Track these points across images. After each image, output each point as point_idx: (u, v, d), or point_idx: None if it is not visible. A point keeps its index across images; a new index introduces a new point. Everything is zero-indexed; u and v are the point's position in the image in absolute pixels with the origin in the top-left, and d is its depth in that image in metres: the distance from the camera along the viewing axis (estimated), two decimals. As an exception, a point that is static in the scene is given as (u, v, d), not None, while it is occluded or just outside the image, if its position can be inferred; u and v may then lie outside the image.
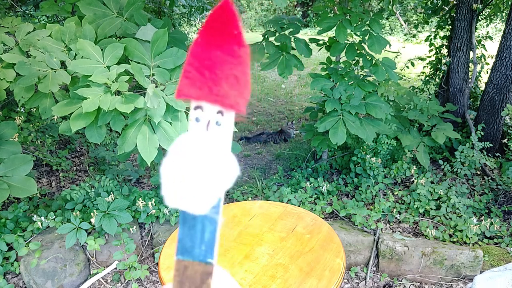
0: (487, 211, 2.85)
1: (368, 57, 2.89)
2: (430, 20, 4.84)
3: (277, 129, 4.64)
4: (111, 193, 2.64)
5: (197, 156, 0.38)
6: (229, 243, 1.65)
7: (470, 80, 3.85)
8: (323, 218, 1.94)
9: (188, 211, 0.39)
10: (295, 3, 14.01)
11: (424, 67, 4.47)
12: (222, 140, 0.39)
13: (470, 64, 3.90)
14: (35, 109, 3.19)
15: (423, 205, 2.73)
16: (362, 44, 2.91)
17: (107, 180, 2.77)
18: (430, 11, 4.40)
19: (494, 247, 2.48)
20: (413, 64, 4.41)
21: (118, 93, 1.79)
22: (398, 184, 3.15)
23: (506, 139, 3.38)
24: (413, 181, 2.87)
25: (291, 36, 2.98)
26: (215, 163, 0.38)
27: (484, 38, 4.11)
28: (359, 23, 2.79)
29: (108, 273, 2.47)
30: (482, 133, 3.21)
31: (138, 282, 2.40)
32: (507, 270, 1.56)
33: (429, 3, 4.47)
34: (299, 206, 2.72)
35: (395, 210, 2.79)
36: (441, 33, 4.32)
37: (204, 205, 0.39)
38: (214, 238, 0.40)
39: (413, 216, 2.74)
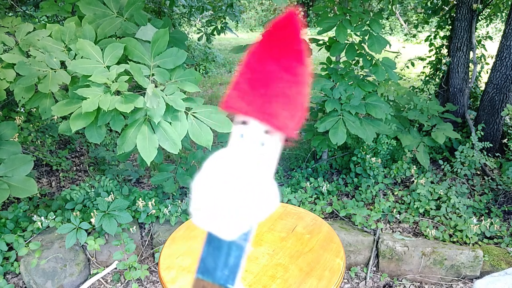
0: (487, 211, 2.85)
1: (368, 57, 2.89)
2: (430, 20, 4.84)
3: (277, 129, 4.63)
4: (111, 193, 2.64)
5: (235, 177, 0.34)
6: (229, 243, 1.65)
7: (470, 80, 3.85)
8: (323, 218, 1.94)
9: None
10: (296, 3, 14.00)
11: (424, 67, 4.47)
12: (265, 163, 0.35)
13: (470, 64, 3.90)
14: (35, 109, 3.19)
15: (423, 205, 2.73)
16: (362, 44, 2.91)
17: (107, 180, 2.77)
18: (430, 11, 4.40)
19: (494, 247, 2.48)
20: (413, 64, 4.41)
21: (118, 93, 1.79)
22: (398, 184, 3.15)
23: (506, 139, 3.38)
24: (413, 181, 2.87)
25: (291, 36, 2.97)
26: (254, 189, 0.34)
27: (484, 38, 4.11)
28: (359, 23, 2.79)
29: (108, 273, 2.47)
30: (482, 133, 3.21)
31: (138, 282, 2.40)
32: (508, 274, 1.55)
33: (429, 3, 4.47)
34: (299, 206, 2.72)
35: (395, 210, 2.79)
36: (441, 33, 4.32)
37: (234, 232, 0.35)
38: (239, 265, 0.38)
39: (413, 216, 2.74)
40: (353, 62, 3.06)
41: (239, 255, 0.37)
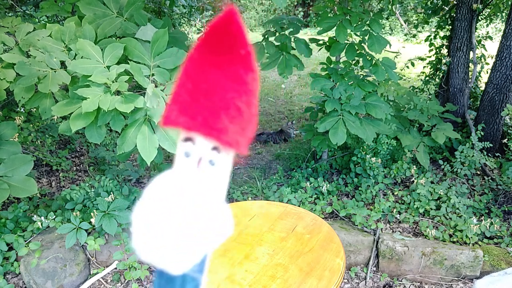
0: (487, 211, 2.85)
1: (368, 57, 2.89)
2: (430, 20, 4.84)
3: (277, 129, 4.64)
4: (111, 193, 2.64)
5: (182, 203, 0.30)
6: (229, 243, 1.65)
7: (470, 80, 3.84)
8: (323, 218, 1.94)
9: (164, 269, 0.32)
10: (295, 3, 14.01)
11: (424, 67, 4.47)
12: (215, 184, 0.31)
13: (470, 64, 3.90)
14: (35, 109, 3.19)
15: (423, 205, 2.73)
16: (362, 44, 2.91)
17: (107, 180, 2.77)
18: (430, 11, 4.40)
19: (494, 247, 2.48)
20: (413, 64, 4.41)
21: (118, 93, 1.79)
22: (398, 184, 3.15)
23: (506, 139, 3.38)
24: (413, 181, 2.87)
25: (291, 36, 2.98)
26: (204, 214, 0.30)
27: (484, 38, 4.11)
28: (359, 23, 2.79)
29: (108, 273, 2.47)
30: (482, 133, 3.21)
31: (138, 282, 2.40)
32: (507, 274, 1.55)
33: (429, 3, 4.47)
34: (299, 206, 2.72)
35: (395, 210, 2.79)
36: (441, 33, 4.32)
37: (185, 265, 0.31)
38: None
39: (413, 216, 2.74)
40: (353, 62, 3.06)
41: (195, 286, 0.33)
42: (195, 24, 8.03)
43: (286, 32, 2.98)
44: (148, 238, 0.30)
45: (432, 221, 2.71)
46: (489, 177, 3.08)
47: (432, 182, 2.91)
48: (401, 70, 4.43)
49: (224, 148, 0.30)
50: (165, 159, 3.68)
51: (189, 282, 0.33)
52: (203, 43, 0.29)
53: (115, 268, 2.44)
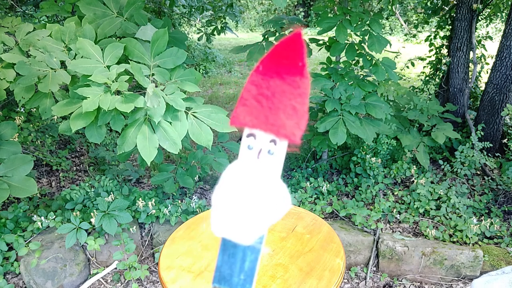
0: (487, 211, 2.85)
1: (368, 57, 2.89)
2: (430, 20, 4.84)
3: (277, 129, 4.63)
4: (111, 193, 2.64)
5: (248, 186, 0.37)
6: (229, 243, 1.65)
7: (470, 80, 3.85)
8: (323, 218, 1.94)
9: (230, 239, 0.39)
10: (296, 3, 14.02)
11: (424, 67, 4.47)
12: (273, 170, 0.38)
13: (470, 64, 3.90)
14: (35, 109, 3.19)
15: (423, 205, 2.73)
16: (362, 44, 2.91)
17: (107, 180, 2.77)
18: (430, 11, 4.40)
19: (494, 247, 2.48)
20: (413, 64, 4.41)
21: (118, 92, 1.79)
22: (398, 184, 3.15)
23: (506, 139, 3.38)
24: (413, 181, 2.87)
25: (291, 36, 2.97)
26: (266, 194, 0.37)
27: (484, 38, 4.11)
28: (359, 23, 2.79)
29: (108, 273, 2.47)
30: (482, 133, 3.21)
31: (138, 282, 2.40)
32: (505, 273, 1.56)
33: (429, 3, 4.47)
34: (299, 206, 2.72)
35: (395, 210, 2.79)
36: (441, 33, 4.32)
37: (251, 237, 0.38)
38: (255, 268, 0.39)
39: (413, 216, 2.74)
40: (353, 62, 3.06)
41: (254, 258, 0.39)
42: (195, 24, 8.03)
43: (286, 32, 2.98)
44: (224, 215, 0.37)
45: (432, 221, 2.71)
46: (489, 177, 3.08)
47: (432, 182, 2.91)
48: (401, 70, 4.43)
49: (281, 139, 0.37)
50: (165, 159, 3.68)
51: (249, 255, 0.39)
52: (269, 56, 0.36)
53: (115, 268, 2.44)
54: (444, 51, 4.21)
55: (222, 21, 5.24)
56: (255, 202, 0.37)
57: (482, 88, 3.90)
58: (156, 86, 1.85)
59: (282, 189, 0.38)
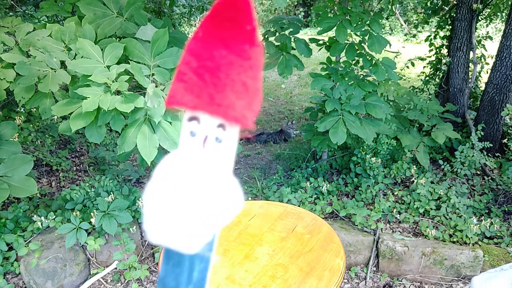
0: (487, 211, 2.85)
1: (368, 57, 2.89)
2: (430, 20, 4.84)
3: (277, 129, 4.64)
4: (111, 193, 2.64)
5: (190, 181, 0.30)
6: (229, 243, 1.65)
7: (470, 80, 3.84)
8: (323, 218, 1.94)
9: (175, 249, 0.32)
10: (296, 3, 14.02)
11: (424, 67, 4.47)
12: (223, 161, 0.31)
13: (470, 64, 3.90)
14: (35, 109, 3.19)
15: (423, 205, 2.73)
16: (362, 44, 2.91)
17: (107, 180, 2.77)
18: (430, 11, 4.40)
19: (494, 247, 2.48)
20: (413, 64, 4.41)
21: (118, 92, 1.79)
22: (398, 184, 3.15)
23: (506, 139, 3.38)
24: (413, 181, 2.87)
25: (291, 36, 2.98)
26: (213, 192, 0.30)
27: (484, 38, 4.11)
28: (359, 23, 2.79)
29: (108, 273, 2.46)
30: (482, 133, 3.21)
31: (138, 282, 2.40)
32: (504, 270, 1.56)
33: (429, 3, 4.47)
34: (299, 206, 2.72)
35: (395, 210, 2.79)
36: (441, 33, 4.32)
37: (196, 244, 0.31)
38: (205, 279, 0.33)
39: (413, 216, 2.74)
40: (353, 62, 3.06)
41: (204, 268, 0.33)
42: (195, 24, 8.03)
43: (286, 32, 2.98)
44: (159, 219, 0.30)
45: (432, 221, 2.71)
46: (489, 177, 3.08)
47: (432, 182, 2.91)
48: (401, 70, 4.43)
49: (230, 124, 0.30)
50: (165, 159, 3.67)
51: (197, 264, 0.33)
52: (209, 19, 0.30)
53: (115, 268, 2.44)
54: (444, 51, 4.21)
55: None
56: (199, 202, 0.30)
57: (482, 88, 3.90)
58: (156, 86, 1.85)
59: (233, 184, 0.31)
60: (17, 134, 3.00)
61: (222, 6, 0.29)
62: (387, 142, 3.05)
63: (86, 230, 2.37)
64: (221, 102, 0.29)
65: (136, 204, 2.58)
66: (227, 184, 0.31)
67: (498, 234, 2.58)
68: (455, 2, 3.96)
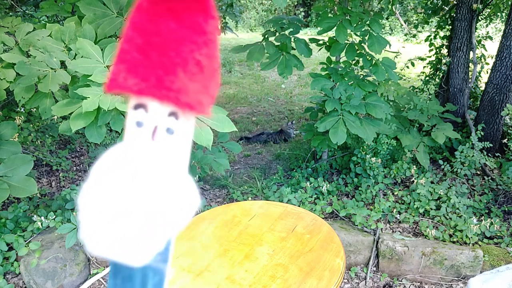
0: (487, 211, 2.85)
1: (368, 57, 2.89)
2: (430, 20, 4.84)
3: (277, 129, 4.64)
4: (111, 193, 2.64)
5: (137, 180, 0.25)
6: (229, 243, 1.65)
7: (470, 80, 3.85)
8: (323, 218, 1.94)
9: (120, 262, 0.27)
10: (296, 3, 14.02)
11: (424, 67, 4.47)
12: (176, 156, 0.26)
13: (470, 64, 3.90)
14: (35, 109, 3.19)
15: (423, 205, 2.73)
16: (362, 44, 2.91)
17: (107, 180, 2.77)
18: (430, 11, 4.40)
19: (494, 247, 2.48)
20: (413, 64, 4.41)
21: (118, 93, 1.79)
22: (398, 184, 3.15)
23: (506, 139, 3.38)
24: (413, 181, 2.87)
25: (291, 36, 2.98)
26: (164, 191, 0.25)
27: (484, 38, 4.11)
28: (359, 23, 2.79)
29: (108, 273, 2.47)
30: (482, 133, 3.21)
31: (138, 282, 2.40)
32: (500, 272, 1.56)
33: (429, 3, 4.47)
34: (299, 206, 2.72)
35: (395, 210, 2.79)
36: (441, 33, 4.32)
37: (145, 254, 0.26)
38: None
39: (413, 216, 2.74)
40: (353, 62, 3.06)
41: (159, 281, 0.28)
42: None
43: (286, 32, 2.98)
44: (98, 226, 0.25)
45: (432, 221, 2.71)
46: (489, 177, 3.08)
47: (432, 182, 2.91)
48: (401, 70, 4.43)
49: (184, 111, 0.25)
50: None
51: (151, 277, 0.28)
52: None
53: (115, 268, 2.44)
54: (444, 51, 4.21)
55: (222, 21, 5.24)
56: (148, 204, 0.25)
57: (482, 88, 3.90)
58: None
59: (188, 183, 0.26)
60: (17, 134, 3.00)
61: None
62: (387, 142, 3.05)
63: (86, 230, 2.37)
64: (171, 85, 0.24)
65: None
66: (180, 183, 0.26)
67: (498, 234, 2.58)
68: (455, 2, 3.96)
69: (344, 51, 2.89)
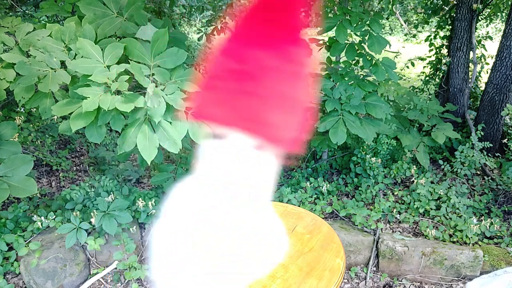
0: (487, 211, 2.85)
1: (368, 57, 2.89)
2: (430, 20, 4.84)
3: (277, 129, 4.63)
4: (111, 193, 2.64)
5: (219, 221, 0.21)
6: (229, 243, 1.65)
7: (470, 80, 3.85)
8: (323, 218, 1.94)
9: None
10: (295, 3, 14.02)
11: (424, 67, 4.47)
12: (261, 195, 0.23)
13: (470, 64, 3.90)
14: (35, 109, 3.19)
15: (423, 205, 2.73)
16: (362, 44, 2.91)
17: (107, 180, 2.77)
18: (430, 11, 4.40)
19: (494, 247, 2.48)
20: (413, 64, 4.41)
21: (118, 92, 1.79)
22: (398, 184, 3.15)
23: (506, 139, 3.38)
24: (413, 181, 2.87)
25: (291, 36, 2.97)
26: (249, 238, 0.22)
27: (484, 38, 4.12)
28: (359, 23, 2.79)
29: (108, 273, 2.46)
30: (482, 133, 3.21)
31: (138, 282, 2.40)
32: (498, 276, 1.57)
33: (429, 3, 4.48)
34: (299, 206, 2.72)
35: (395, 210, 2.79)
36: (441, 33, 4.32)
37: None
38: None
39: (413, 216, 2.74)
40: (353, 62, 3.06)
41: None
42: (195, 24, 8.03)
43: None
44: (171, 270, 0.21)
45: (432, 221, 2.71)
46: (489, 177, 3.08)
47: (432, 182, 2.91)
48: (401, 70, 4.44)
49: (269, 145, 0.22)
50: (165, 159, 3.68)
51: None
52: (252, 13, 0.21)
53: (115, 268, 2.44)
54: (444, 51, 4.21)
55: (222, 21, 5.23)
56: (233, 251, 0.21)
57: (482, 88, 3.90)
58: (156, 86, 1.85)
59: (276, 225, 0.21)
60: (17, 134, 3.00)
61: (270, 1, 0.20)
62: (387, 142, 3.05)
63: (86, 230, 2.37)
64: (258, 118, 0.21)
65: (136, 204, 2.58)
66: (269, 226, 0.20)
67: (498, 234, 2.58)
68: (455, 2, 3.96)
69: (344, 51, 2.89)
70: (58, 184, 3.25)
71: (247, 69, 0.21)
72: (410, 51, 6.55)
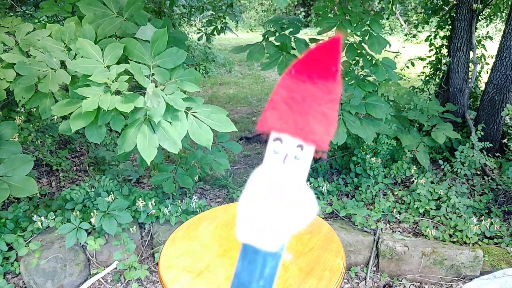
0: (487, 211, 2.85)
1: (368, 57, 2.89)
2: (430, 20, 4.84)
3: (277, 129, 4.63)
4: (111, 193, 2.64)
5: (273, 192, 0.37)
6: (229, 243, 1.65)
7: (470, 80, 3.85)
8: (323, 218, 1.94)
9: (251, 245, 0.39)
10: (296, 3, 14.02)
11: (424, 67, 4.47)
12: (299, 175, 0.38)
13: (470, 64, 3.90)
14: (35, 109, 3.19)
15: (423, 205, 2.73)
16: (362, 44, 2.91)
17: (107, 180, 2.77)
18: (430, 11, 4.40)
19: (494, 247, 2.48)
20: (413, 64, 4.41)
21: (118, 92, 1.79)
22: (398, 184, 3.15)
23: (506, 139, 3.38)
24: (413, 181, 2.87)
25: (291, 36, 2.98)
26: (291, 200, 0.37)
27: (484, 38, 4.11)
28: (359, 23, 2.79)
29: (108, 273, 2.46)
30: (482, 133, 3.21)
31: (138, 282, 2.40)
32: (496, 278, 1.56)
33: (429, 3, 4.47)
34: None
35: (395, 210, 2.79)
36: (441, 33, 4.32)
37: (276, 243, 0.38)
38: (275, 274, 0.39)
39: (413, 216, 2.74)
40: (353, 62, 3.06)
41: (275, 264, 0.39)
42: (195, 24, 8.03)
43: (286, 32, 2.98)
44: (249, 221, 0.37)
45: (432, 221, 2.71)
46: (489, 177, 3.08)
47: (432, 182, 2.91)
48: (401, 70, 4.43)
49: (308, 145, 0.37)
50: (165, 159, 3.68)
51: (270, 261, 0.39)
52: (303, 60, 0.37)
53: (115, 268, 2.44)
54: (444, 51, 4.21)
55: (222, 21, 5.24)
56: (280, 209, 0.37)
57: (482, 88, 3.90)
58: (156, 86, 1.85)
59: (308, 195, 0.38)
60: (17, 134, 3.00)
61: (319, 51, 0.36)
62: (387, 142, 3.05)
63: (86, 230, 2.37)
64: (303, 127, 0.36)
65: (136, 204, 2.58)
66: (303, 194, 0.38)
67: (498, 234, 2.58)
68: (455, 2, 3.96)
69: (344, 51, 2.89)
70: (58, 184, 3.26)
71: (297, 96, 0.36)
72: (410, 51, 6.55)
